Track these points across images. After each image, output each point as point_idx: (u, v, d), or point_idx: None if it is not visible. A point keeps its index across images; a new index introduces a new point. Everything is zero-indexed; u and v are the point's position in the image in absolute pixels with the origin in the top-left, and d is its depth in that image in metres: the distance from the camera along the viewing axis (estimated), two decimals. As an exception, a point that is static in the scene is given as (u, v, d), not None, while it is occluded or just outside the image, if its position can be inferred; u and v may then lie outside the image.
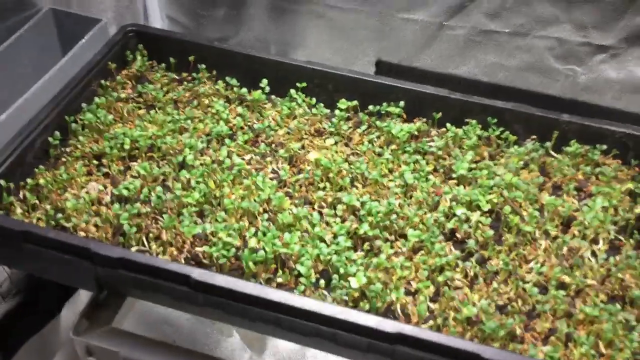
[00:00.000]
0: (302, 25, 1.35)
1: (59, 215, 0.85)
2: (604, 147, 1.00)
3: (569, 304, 0.81)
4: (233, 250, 0.82)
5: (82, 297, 1.23)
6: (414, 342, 0.71)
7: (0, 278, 1.11)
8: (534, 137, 1.02)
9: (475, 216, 0.90)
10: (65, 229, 0.84)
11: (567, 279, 0.84)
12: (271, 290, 0.74)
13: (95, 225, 0.85)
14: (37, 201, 0.87)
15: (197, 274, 0.75)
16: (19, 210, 0.86)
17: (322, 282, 0.81)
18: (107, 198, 0.90)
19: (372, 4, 1.26)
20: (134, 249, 0.84)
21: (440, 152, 1.00)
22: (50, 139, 0.93)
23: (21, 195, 0.88)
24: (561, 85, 1.27)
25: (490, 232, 0.88)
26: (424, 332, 0.71)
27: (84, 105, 1.00)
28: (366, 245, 0.86)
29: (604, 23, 1.17)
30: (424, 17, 1.26)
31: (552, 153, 1.02)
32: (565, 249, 0.88)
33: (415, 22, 1.27)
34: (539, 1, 1.18)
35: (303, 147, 1.01)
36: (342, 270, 0.81)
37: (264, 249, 0.82)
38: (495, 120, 1.02)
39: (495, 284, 0.83)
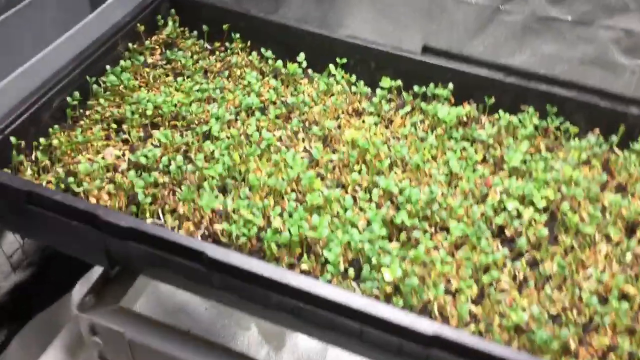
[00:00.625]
0: (345, 4, 1.26)
1: (71, 179, 0.78)
2: (678, 146, 0.89)
3: (631, 318, 0.71)
4: (255, 229, 0.74)
5: (97, 273, 1.18)
6: (453, 346, 0.61)
7: (12, 248, 1.05)
8: (597, 130, 0.92)
9: (528, 212, 0.80)
10: (75, 194, 0.78)
11: (630, 289, 0.73)
12: (292, 274, 0.65)
13: (108, 193, 0.79)
14: (48, 162, 0.81)
15: (212, 250, 0.67)
16: (28, 172, 0.79)
17: (351, 271, 0.72)
18: (124, 165, 0.83)
19: (423, -17, 1.17)
20: (148, 221, 0.76)
21: (491, 141, 0.90)
22: (68, 98, 0.87)
23: (33, 157, 0.82)
24: (626, 81, 1.15)
25: (545, 232, 0.78)
26: (466, 337, 0.61)
27: (107, 67, 0.93)
28: (403, 236, 0.77)
29: (681, 14, 1.06)
30: (478, 0, 1.16)
31: (617, 150, 0.91)
32: (629, 255, 0.77)
33: (468, 5, 1.17)
34: (607, -13, 1.07)
35: (339, 126, 0.93)
36: (374, 261, 0.72)
37: (288, 230, 0.74)
38: (555, 110, 0.92)
39: (547, 290, 0.73)
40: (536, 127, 0.92)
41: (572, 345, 0.69)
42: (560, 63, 1.18)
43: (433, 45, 1.26)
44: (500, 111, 0.94)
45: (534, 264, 0.77)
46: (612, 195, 0.84)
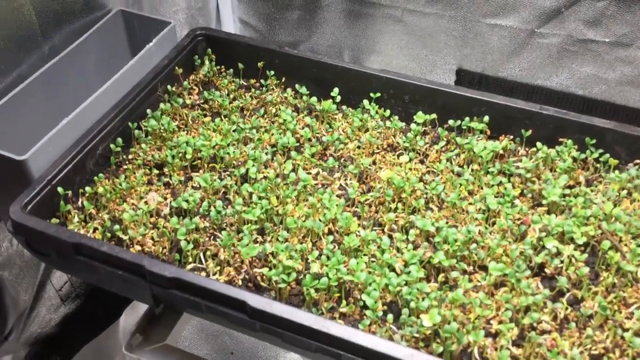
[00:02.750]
0: (378, 30, 1.27)
1: (116, 226, 0.81)
2: None
3: (677, 360, 0.70)
4: (294, 274, 0.76)
5: (142, 306, 1.21)
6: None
7: (60, 281, 1.09)
8: (638, 161, 0.90)
9: (568, 250, 0.79)
10: (121, 241, 0.80)
11: (676, 330, 0.72)
12: (333, 324, 0.67)
13: (152, 239, 0.81)
14: (94, 210, 0.84)
15: (254, 301, 0.68)
16: (75, 219, 0.82)
17: (390, 316, 0.73)
18: (166, 210, 0.85)
19: (456, 8, 1.17)
20: (190, 266, 0.79)
21: (528, 175, 0.89)
22: (112, 145, 0.90)
23: (79, 204, 0.85)
24: (667, 101, 1.13)
25: (585, 270, 0.77)
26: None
27: (148, 110, 0.96)
28: (441, 277, 0.78)
29: None
30: (513, 23, 1.15)
31: (660, 180, 0.89)
32: (674, 294, 0.76)
33: (502, 29, 1.17)
34: (646, 8, 1.05)
35: (374, 162, 0.93)
36: (413, 305, 0.73)
37: (327, 275, 0.75)
38: (594, 141, 0.91)
39: (589, 330, 0.72)
40: (575, 160, 0.91)
41: (616, 389, 0.68)
42: (598, 84, 1.17)
43: (467, 68, 1.26)
44: (539, 143, 0.93)
45: (575, 302, 0.76)
46: (654, 229, 0.83)
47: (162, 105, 0.98)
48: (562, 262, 0.79)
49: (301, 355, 0.79)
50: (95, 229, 0.82)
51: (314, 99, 1.01)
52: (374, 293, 0.74)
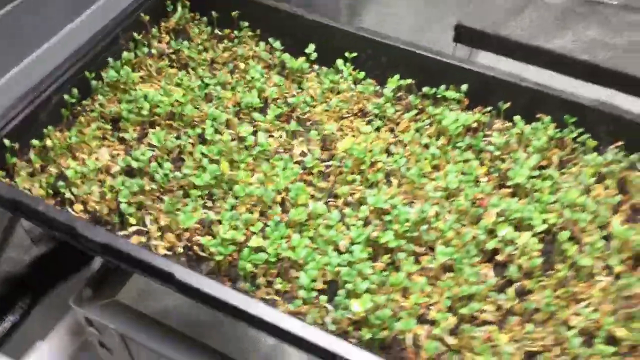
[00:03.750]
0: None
1: (60, 182, 0.79)
2: None
3: (617, 364, 0.66)
4: (232, 247, 0.74)
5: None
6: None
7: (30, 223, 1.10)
8: (617, 143, 0.84)
9: (523, 238, 0.75)
10: (64, 200, 0.79)
11: (621, 332, 0.68)
12: (254, 302, 0.65)
13: (99, 197, 0.79)
14: (41, 165, 0.82)
15: (181, 273, 0.67)
16: (22, 173, 0.81)
17: (322, 297, 0.71)
18: (117, 167, 0.83)
19: (456, -40, 1.08)
20: (132, 228, 0.77)
21: (498, 152, 0.84)
22: (66, 96, 0.87)
23: (29, 157, 0.84)
24: (675, 73, 1.04)
25: (538, 261, 0.73)
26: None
27: (110, 60, 0.92)
28: (386, 258, 0.75)
29: None
30: (515, -20, 1.07)
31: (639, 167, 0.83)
32: (627, 292, 0.71)
33: (505, -15, 1.08)
34: (661, -31, 0.96)
35: (341, 128, 0.89)
36: (350, 287, 0.70)
37: (266, 250, 0.73)
38: (574, 120, 0.85)
39: (529, 326, 0.69)
40: (551, 138, 0.85)
41: (548, 390, 0.66)
42: (603, 50, 1.08)
43: (467, 25, 1.18)
44: (516, 117, 0.87)
45: (522, 294, 0.73)
46: (623, 220, 0.78)
47: (125, 54, 0.94)
48: (516, 249, 0.75)
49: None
50: (40, 185, 0.80)
51: (287, 55, 0.96)
52: (311, 272, 0.72)
